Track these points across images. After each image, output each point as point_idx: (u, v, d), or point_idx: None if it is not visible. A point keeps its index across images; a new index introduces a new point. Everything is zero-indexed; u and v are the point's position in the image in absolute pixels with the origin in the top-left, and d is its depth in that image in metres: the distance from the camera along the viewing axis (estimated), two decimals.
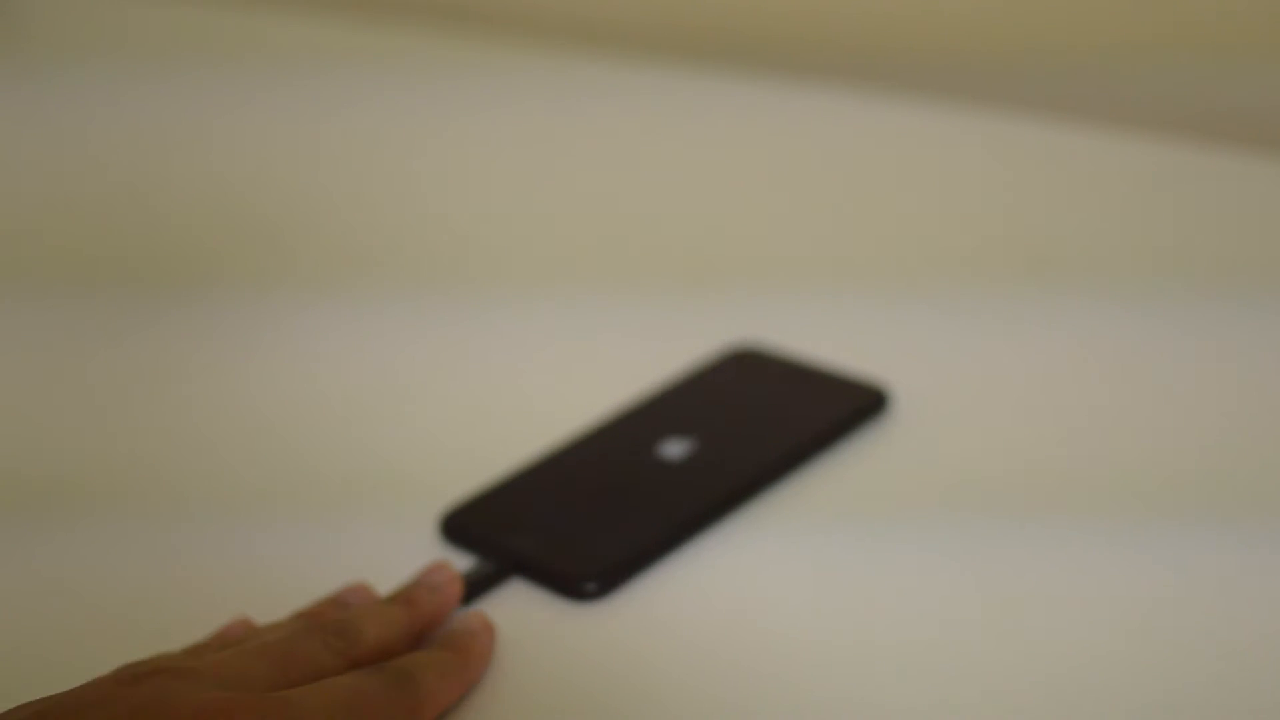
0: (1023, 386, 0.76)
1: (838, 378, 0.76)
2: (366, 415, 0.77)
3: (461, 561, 0.69)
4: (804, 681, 0.62)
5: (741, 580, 0.67)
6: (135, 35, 1.15)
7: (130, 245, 0.92)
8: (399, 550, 0.69)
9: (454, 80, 1.06)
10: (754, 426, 0.73)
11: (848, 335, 0.80)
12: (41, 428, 0.78)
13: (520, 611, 0.66)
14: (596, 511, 0.69)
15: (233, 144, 1.02)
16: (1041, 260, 0.84)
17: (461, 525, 0.69)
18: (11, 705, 0.59)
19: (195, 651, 0.61)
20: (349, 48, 1.11)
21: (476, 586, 0.66)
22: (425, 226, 0.92)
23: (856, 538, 0.68)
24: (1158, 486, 0.70)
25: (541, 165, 0.97)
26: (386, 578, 0.67)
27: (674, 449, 0.72)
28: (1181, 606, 0.64)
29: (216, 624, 0.66)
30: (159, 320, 0.85)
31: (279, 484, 0.74)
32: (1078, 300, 0.81)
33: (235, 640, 0.62)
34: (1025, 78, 0.98)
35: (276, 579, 0.68)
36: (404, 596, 0.64)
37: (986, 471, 0.71)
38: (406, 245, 0.90)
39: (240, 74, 1.09)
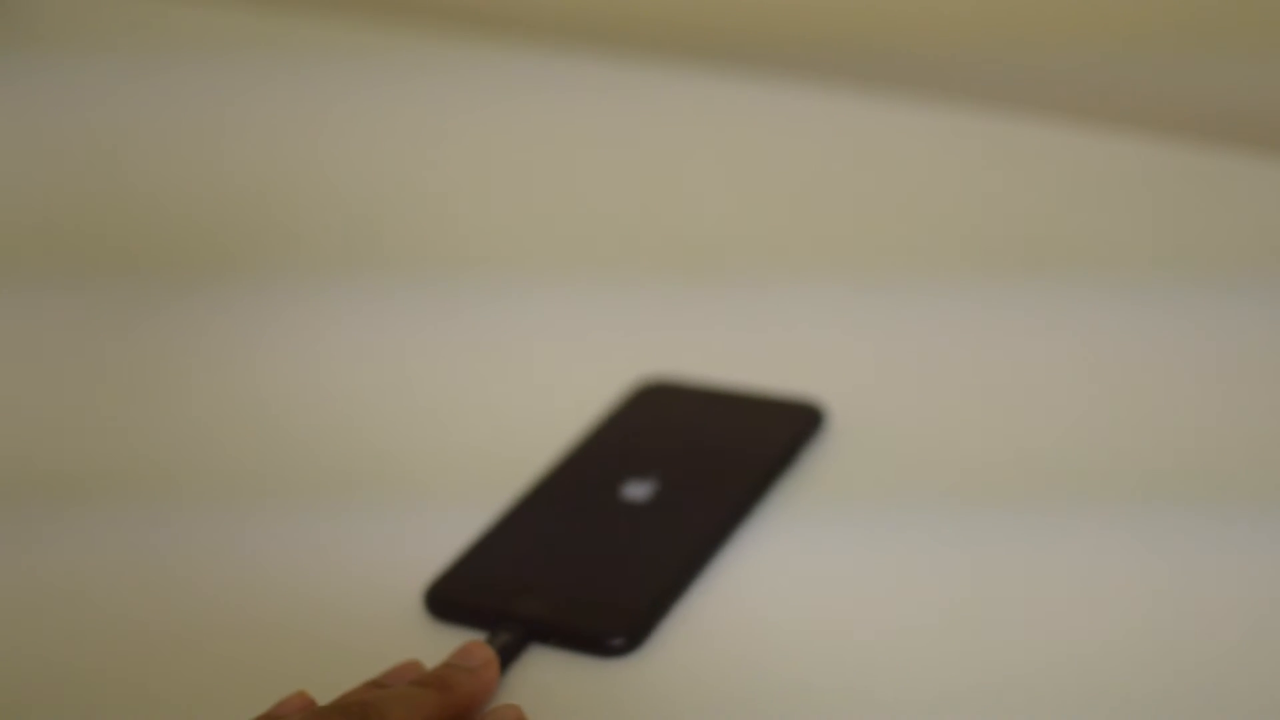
0: (949, 385, 0.77)
1: (765, 400, 0.75)
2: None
3: (454, 637, 0.65)
4: (855, 697, 0.61)
5: (756, 609, 0.65)
6: (137, 32, 1.11)
7: (134, 240, 0.90)
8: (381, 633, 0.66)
9: (453, 79, 1.03)
10: (711, 458, 0.72)
11: (743, 351, 0.79)
12: (47, 419, 0.78)
13: (547, 679, 0.63)
14: (593, 563, 0.67)
15: (236, 141, 0.99)
16: (980, 252, 0.85)
17: (449, 598, 0.66)
18: (15, 702, 0.61)
19: None
20: (351, 45, 1.07)
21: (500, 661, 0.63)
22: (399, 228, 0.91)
23: (854, 546, 0.68)
24: (1143, 477, 0.71)
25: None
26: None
27: (638, 490, 0.70)
28: (1161, 597, 0.65)
29: (209, 618, 0.66)
30: (162, 313, 0.84)
31: (277, 482, 0.74)
32: (1034, 296, 0.82)
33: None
34: (983, 70, 0.97)
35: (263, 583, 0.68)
36: (438, 679, 0.61)
37: (938, 468, 0.72)
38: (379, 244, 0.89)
39: (244, 71, 1.05)
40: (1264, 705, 0.60)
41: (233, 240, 0.90)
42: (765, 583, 0.67)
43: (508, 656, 0.63)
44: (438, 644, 0.65)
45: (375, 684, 0.61)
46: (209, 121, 1.01)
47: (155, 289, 0.86)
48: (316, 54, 1.07)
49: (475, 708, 0.61)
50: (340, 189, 0.94)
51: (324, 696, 0.61)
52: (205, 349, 0.82)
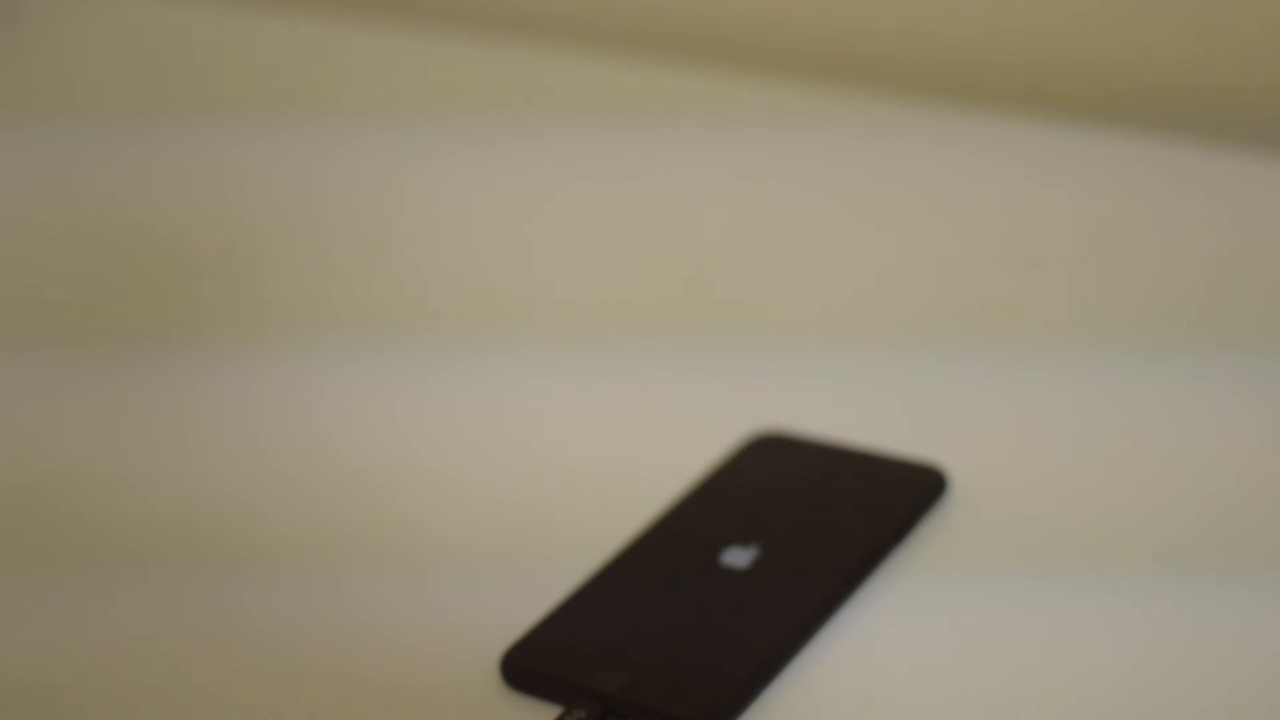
0: (1078, 445, 0.71)
1: (887, 460, 0.69)
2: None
3: (529, 709, 0.61)
4: None
5: (859, 693, 0.61)
6: (137, 35, 1.09)
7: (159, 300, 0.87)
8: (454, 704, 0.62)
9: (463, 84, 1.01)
10: (820, 525, 0.67)
11: (864, 407, 0.74)
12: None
13: None
14: (683, 637, 0.62)
15: (239, 143, 0.96)
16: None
17: (527, 668, 0.61)
18: None
19: None
20: (352, 45, 1.04)
21: None
22: (418, 278, 0.85)
23: (964, 631, 0.63)
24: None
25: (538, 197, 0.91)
26: None
27: (739, 557, 0.65)
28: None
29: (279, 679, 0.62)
30: (164, 362, 0.80)
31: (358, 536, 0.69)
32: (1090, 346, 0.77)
33: None
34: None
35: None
36: None
37: (1065, 541, 0.66)
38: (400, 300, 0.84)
39: (247, 71, 1.03)
40: None
41: (231, 254, 0.86)
42: (871, 663, 0.62)
43: None
44: (511, 715, 0.60)
45: None
46: (209, 123, 0.98)
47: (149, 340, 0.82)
48: (319, 56, 1.03)
49: None
50: (337, 199, 0.90)
51: None
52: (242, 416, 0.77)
